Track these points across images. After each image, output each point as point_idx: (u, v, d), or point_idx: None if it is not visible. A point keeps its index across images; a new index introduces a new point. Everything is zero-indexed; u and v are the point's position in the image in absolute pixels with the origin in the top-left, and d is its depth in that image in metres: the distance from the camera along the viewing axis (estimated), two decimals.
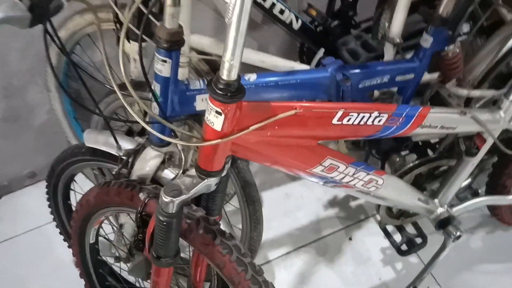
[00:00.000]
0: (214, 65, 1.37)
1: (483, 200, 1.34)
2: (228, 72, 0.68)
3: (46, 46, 0.88)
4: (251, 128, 0.76)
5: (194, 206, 0.92)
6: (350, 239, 1.63)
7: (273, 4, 1.40)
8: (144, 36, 1.11)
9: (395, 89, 1.27)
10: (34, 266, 1.57)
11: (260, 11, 1.40)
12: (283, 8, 1.42)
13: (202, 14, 1.60)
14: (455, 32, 1.16)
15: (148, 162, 1.07)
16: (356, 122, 0.85)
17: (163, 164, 1.10)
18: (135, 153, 1.08)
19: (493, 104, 1.47)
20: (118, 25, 1.28)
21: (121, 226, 1.18)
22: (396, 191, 1.09)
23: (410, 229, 1.43)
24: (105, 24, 1.38)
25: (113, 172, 1.07)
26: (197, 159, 0.81)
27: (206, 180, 0.82)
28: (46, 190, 1.37)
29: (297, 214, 1.70)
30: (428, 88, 1.29)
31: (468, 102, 1.39)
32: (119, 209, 1.06)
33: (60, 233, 1.47)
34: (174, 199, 0.81)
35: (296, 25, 1.47)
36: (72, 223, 1.17)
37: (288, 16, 1.44)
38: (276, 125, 0.79)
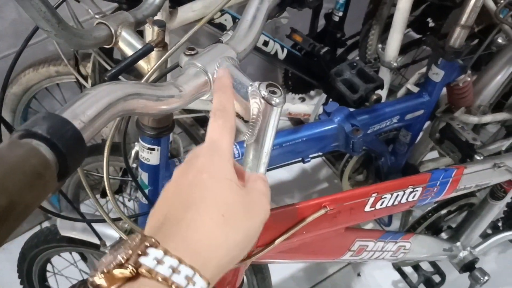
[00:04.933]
0: (198, 117, 1.21)
1: (507, 235, 1.24)
2: None
3: None
4: (277, 242, 0.62)
5: None
6: (359, 275, 1.52)
7: None
8: None
9: None
10: None
11: None
12: (267, 39, 1.27)
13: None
14: (468, 62, 1.04)
15: None
16: (390, 204, 0.73)
17: None
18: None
19: (503, 126, 1.38)
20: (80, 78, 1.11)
21: None
22: (423, 250, 0.98)
23: (426, 266, 1.33)
24: (65, 77, 1.20)
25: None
26: None
27: None
28: (18, 274, 1.19)
29: None
30: (436, 120, 1.18)
31: (476, 127, 1.29)
32: None
33: None
34: None
35: (282, 55, 1.33)
36: None
37: (273, 47, 1.29)
38: (304, 230, 0.65)
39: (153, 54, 0.65)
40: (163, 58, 0.60)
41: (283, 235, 0.62)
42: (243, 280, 0.66)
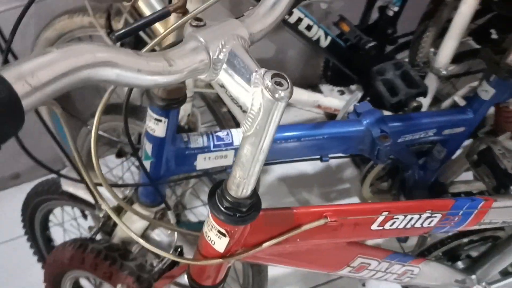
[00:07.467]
0: None
1: None
2: (239, 189, 0.48)
3: None
4: (265, 245, 0.57)
5: None
6: (364, 285, 1.46)
7: (300, 20, 1.17)
8: None
9: None
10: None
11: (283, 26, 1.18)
12: (311, 23, 1.19)
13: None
14: None
15: (134, 224, 0.89)
16: (401, 226, 0.66)
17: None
18: (119, 210, 0.90)
19: None
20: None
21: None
22: (432, 277, 0.91)
23: None
24: (97, 29, 1.17)
25: (92, 233, 0.89)
26: (189, 269, 0.62)
27: None
28: (21, 218, 1.20)
29: None
30: (476, 140, 1.08)
31: None
32: (99, 280, 0.88)
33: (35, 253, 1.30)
34: None
35: (324, 43, 1.25)
36: (45, 275, 1.00)
37: (316, 33, 1.22)
38: (298, 238, 0.59)
39: (172, 19, 0.60)
40: (178, 23, 0.54)
41: (273, 239, 0.57)
42: (225, 277, 0.62)
